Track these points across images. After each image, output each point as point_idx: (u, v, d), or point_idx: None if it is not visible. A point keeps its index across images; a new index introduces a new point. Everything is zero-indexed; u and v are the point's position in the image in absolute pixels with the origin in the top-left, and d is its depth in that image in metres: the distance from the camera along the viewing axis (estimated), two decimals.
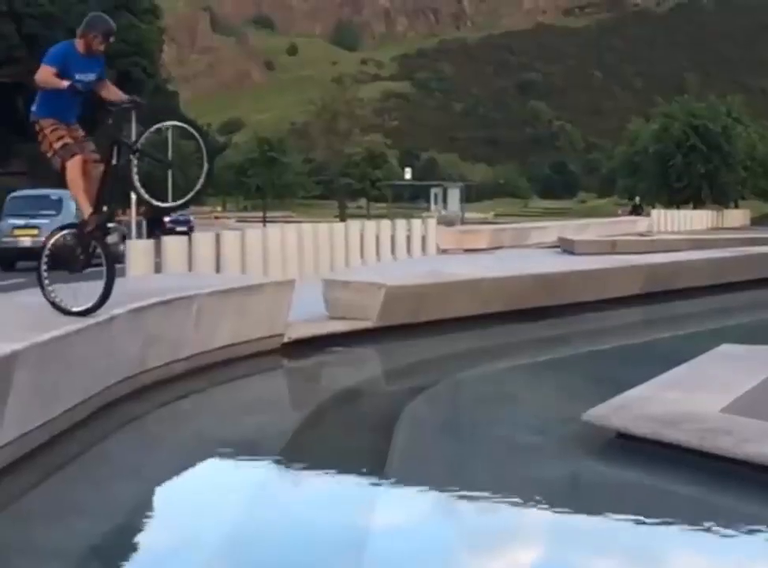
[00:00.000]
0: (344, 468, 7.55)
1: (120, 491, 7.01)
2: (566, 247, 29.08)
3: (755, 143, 74.30)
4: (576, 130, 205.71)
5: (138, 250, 15.29)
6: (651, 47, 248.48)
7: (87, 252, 8.69)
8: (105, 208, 8.71)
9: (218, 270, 16.58)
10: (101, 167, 8.66)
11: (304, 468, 7.59)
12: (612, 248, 28.11)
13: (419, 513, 6.58)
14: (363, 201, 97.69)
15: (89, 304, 8.44)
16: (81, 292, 8.54)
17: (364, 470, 7.46)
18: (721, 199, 73.67)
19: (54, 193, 27.93)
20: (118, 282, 8.87)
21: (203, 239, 16.79)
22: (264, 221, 63.03)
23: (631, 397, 8.23)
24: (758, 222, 67.50)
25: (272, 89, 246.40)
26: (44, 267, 8.76)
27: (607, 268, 18.97)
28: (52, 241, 8.85)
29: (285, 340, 12.22)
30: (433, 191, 78.79)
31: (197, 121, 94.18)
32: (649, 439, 7.24)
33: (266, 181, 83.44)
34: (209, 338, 10.79)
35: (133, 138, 8.62)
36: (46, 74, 8.42)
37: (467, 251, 30.20)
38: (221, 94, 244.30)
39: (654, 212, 53.11)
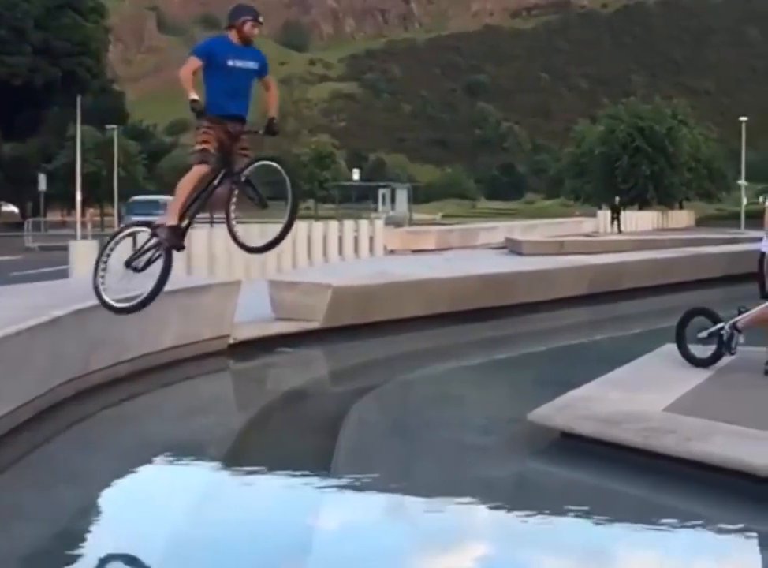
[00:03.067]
0: (289, 469, 7.51)
1: (63, 495, 6.93)
2: (514, 248, 29.22)
3: (700, 145, 75.17)
4: (524, 132, 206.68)
5: (82, 251, 15.13)
6: (598, 49, 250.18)
7: (150, 254, 8.64)
8: (185, 223, 8.64)
9: None
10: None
11: (249, 470, 7.54)
12: (559, 248, 28.29)
13: (365, 514, 6.57)
14: (310, 202, 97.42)
15: (128, 304, 8.45)
16: (126, 289, 8.60)
17: (310, 471, 7.43)
18: (667, 200, 74.49)
19: (162, 198, 39.93)
20: (61, 283, 8.79)
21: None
22: (211, 222, 62.63)
23: (576, 397, 8.27)
24: (702, 223, 68.28)
25: None
26: (106, 254, 8.74)
27: (554, 269, 19.08)
28: (125, 232, 8.87)
29: (231, 341, 12.16)
30: (381, 192, 78.75)
31: (143, 121, 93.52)
32: (593, 439, 7.28)
33: None
34: (154, 339, 10.70)
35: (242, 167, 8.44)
36: (184, 71, 8.23)
37: (414, 252, 30.23)
38: (168, 94, 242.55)
39: (600, 213, 53.53)
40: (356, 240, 27.25)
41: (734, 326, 9.42)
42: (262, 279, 16.41)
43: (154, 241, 8.65)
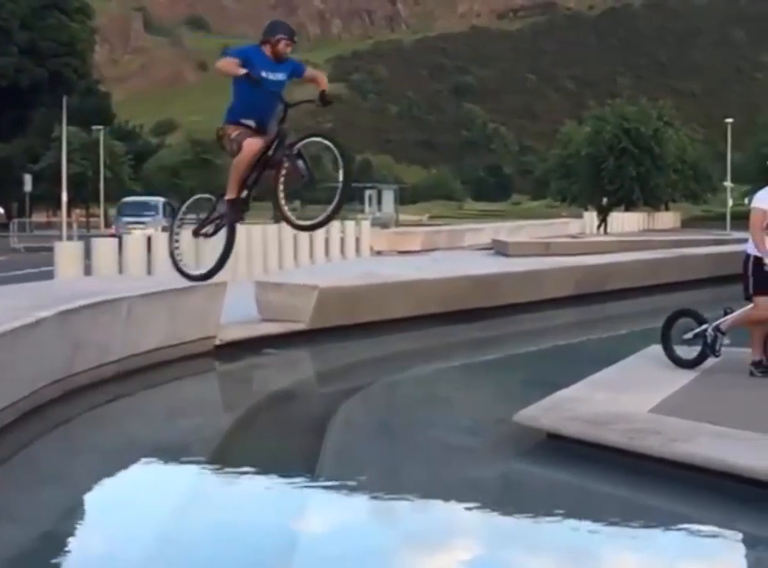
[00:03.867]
0: (275, 470, 7.50)
1: (48, 497, 6.90)
2: (500, 249, 29.21)
3: (686, 147, 75.34)
4: (510, 133, 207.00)
5: (67, 252, 15.08)
6: (584, 51, 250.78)
7: (215, 223, 8.82)
8: (245, 193, 8.79)
9: (149, 272, 16.42)
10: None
11: (235, 472, 7.52)
12: (545, 249, 28.30)
13: (351, 516, 6.56)
14: (297, 203, 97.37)
15: (204, 271, 8.69)
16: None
17: (296, 472, 7.41)
18: (653, 201, 74.64)
19: (152, 200, 40.35)
20: (46, 285, 8.77)
21: (133, 241, 16.62)
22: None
23: (562, 398, 8.28)
24: (688, 224, 68.47)
25: (206, 90, 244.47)
26: (177, 226, 8.90)
27: (541, 269, 19.10)
28: (189, 201, 9.06)
29: (217, 342, 12.12)
30: (367, 193, 78.66)
31: (129, 122, 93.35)
32: (579, 440, 7.29)
33: (199, 183, 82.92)
34: (139, 340, 10.67)
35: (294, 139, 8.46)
36: (225, 62, 8.33)
37: (401, 253, 30.22)
38: (154, 95, 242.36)
39: (587, 214, 53.59)
40: (343, 241, 27.23)
41: (717, 329, 9.45)
42: (248, 280, 16.39)
43: (217, 211, 8.91)
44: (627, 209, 68.84)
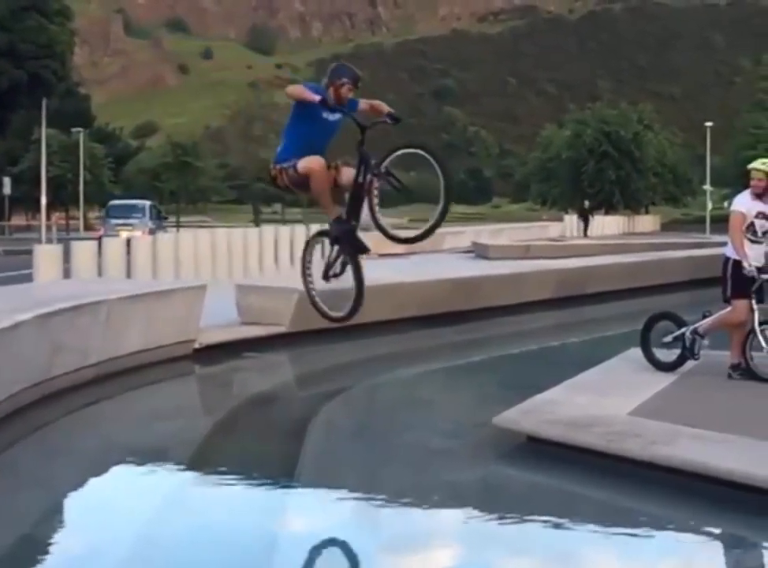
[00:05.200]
0: (254, 473, 7.49)
1: (26, 501, 6.86)
2: (481, 252, 29.24)
3: (666, 150, 75.68)
4: (491, 136, 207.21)
5: (46, 255, 15.03)
6: (564, 54, 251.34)
7: (339, 260, 8.49)
8: (353, 224, 8.45)
9: (128, 275, 16.36)
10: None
11: (214, 475, 7.50)
12: (526, 252, 28.34)
13: (330, 518, 6.54)
14: (278, 206, 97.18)
15: (343, 313, 8.34)
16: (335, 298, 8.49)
17: (276, 475, 7.41)
18: (633, 204, 74.92)
19: (139, 202, 40.51)
20: (24, 288, 8.71)
21: (112, 244, 16.57)
22: (178, 226, 62.46)
23: (541, 400, 8.29)
24: (668, 227, 68.69)
25: (186, 93, 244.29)
26: (308, 268, 8.65)
27: (521, 273, 19.13)
28: (309, 245, 8.75)
29: (197, 346, 12.09)
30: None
31: (109, 124, 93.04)
32: (558, 443, 7.30)
33: (179, 186, 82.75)
34: (118, 344, 10.64)
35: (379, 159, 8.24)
36: (299, 88, 8.02)
37: (382, 255, 30.15)
38: (134, 97, 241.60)
39: (567, 217, 53.69)
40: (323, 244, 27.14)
41: (695, 332, 9.49)
42: (228, 283, 16.35)
43: (336, 249, 8.56)
44: (607, 212, 69.07)
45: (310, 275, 8.71)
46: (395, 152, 8.06)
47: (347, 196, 8.45)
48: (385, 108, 8.50)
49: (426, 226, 8.07)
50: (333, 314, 8.52)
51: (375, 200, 8.24)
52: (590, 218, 50.33)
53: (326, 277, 8.58)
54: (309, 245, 8.82)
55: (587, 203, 53.36)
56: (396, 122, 8.27)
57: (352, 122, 8.19)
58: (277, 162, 8.25)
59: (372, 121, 8.30)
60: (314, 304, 8.65)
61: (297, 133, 8.23)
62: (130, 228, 34.30)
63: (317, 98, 7.76)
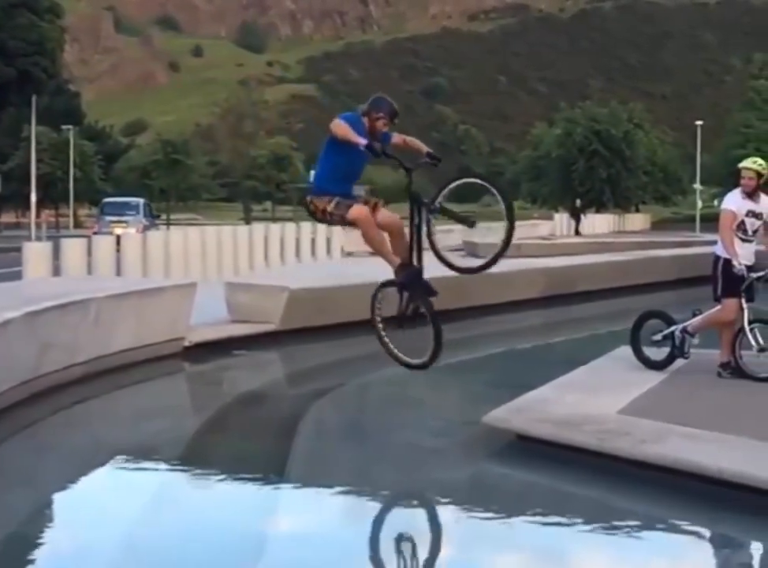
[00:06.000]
0: (244, 472, 7.47)
1: (14, 500, 6.84)
2: (471, 250, 29.21)
3: (656, 149, 75.88)
4: (481, 134, 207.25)
5: (35, 253, 14.97)
6: (555, 53, 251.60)
7: (407, 309, 8.27)
8: (418, 267, 8.25)
9: (118, 273, 16.32)
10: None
11: (204, 473, 7.49)
12: (516, 251, 28.26)
13: (320, 517, 6.53)
14: (268, 204, 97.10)
15: (422, 360, 8.18)
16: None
17: (265, 474, 7.39)
18: (623, 203, 75.07)
19: (134, 200, 41.39)
20: (13, 285, 8.68)
21: (102, 242, 16.52)
22: (168, 223, 62.40)
23: (531, 399, 8.29)
24: (658, 226, 68.83)
25: (176, 90, 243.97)
26: (378, 320, 8.44)
27: (512, 271, 19.09)
28: (378, 295, 8.53)
29: (186, 344, 12.07)
30: None
31: (99, 122, 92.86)
32: (548, 441, 7.29)
33: (169, 184, 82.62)
34: (107, 341, 10.61)
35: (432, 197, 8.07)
36: (345, 128, 7.73)
37: (372, 254, 30.13)
38: (124, 95, 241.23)
39: (557, 216, 53.75)
40: (314, 242, 27.15)
41: (685, 330, 9.49)
42: (218, 281, 16.33)
43: (405, 296, 8.37)
44: (597, 211, 69.19)
45: (381, 324, 8.50)
46: (448, 185, 7.91)
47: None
48: (423, 147, 8.41)
49: (491, 256, 7.97)
50: (413, 361, 8.35)
51: (435, 237, 8.10)
52: (582, 216, 50.34)
53: (400, 326, 8.36)
54: (376, 298, 8.58)
55: (578, 201, 53.38)
56: (437, 162, 8.18)
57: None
58: (313, 193, 8.06)
59: (416, 163, 8.20)
60: (389, 353, 8.47)
61: (335, 164, 8.04)
62: (124, 225, 34.66)
63: (363, 142, 7.56)
